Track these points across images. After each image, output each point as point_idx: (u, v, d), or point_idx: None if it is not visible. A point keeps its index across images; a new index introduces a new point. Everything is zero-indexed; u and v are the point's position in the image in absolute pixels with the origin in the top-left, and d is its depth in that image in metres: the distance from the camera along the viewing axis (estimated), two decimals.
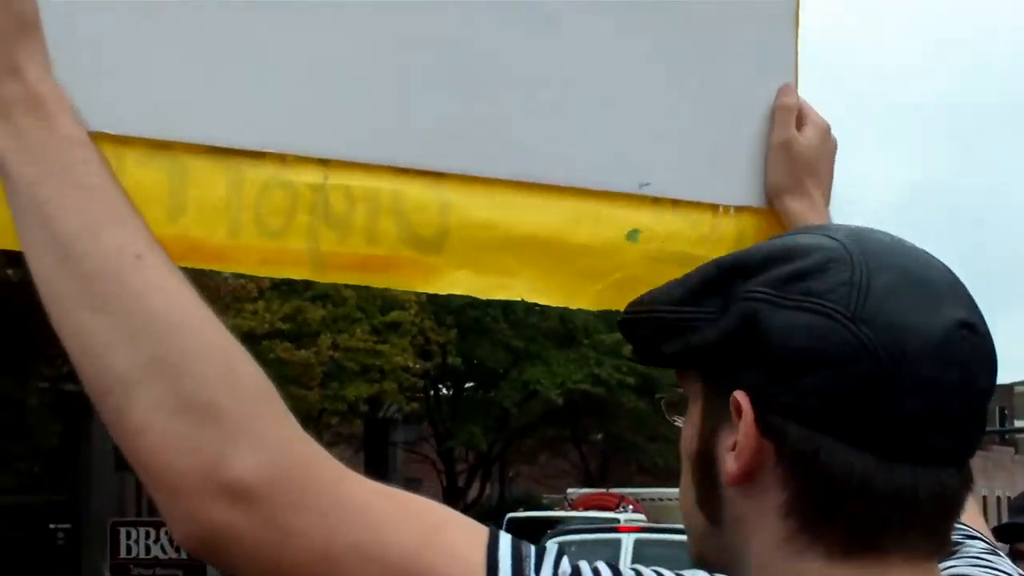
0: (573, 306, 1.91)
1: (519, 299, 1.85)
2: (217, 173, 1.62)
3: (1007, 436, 58.59)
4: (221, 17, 1.63)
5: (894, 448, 1.19)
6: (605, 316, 39.78)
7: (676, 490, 1.39)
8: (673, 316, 1.31)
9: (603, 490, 31.61)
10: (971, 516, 1.65)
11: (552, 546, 1.18)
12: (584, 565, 1.15)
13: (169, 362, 1.16)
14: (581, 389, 34.75)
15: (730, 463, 1.24)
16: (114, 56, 1.57)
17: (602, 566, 1.15)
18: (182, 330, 1.18)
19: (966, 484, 1.24)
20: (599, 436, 42.36)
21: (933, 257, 1.28)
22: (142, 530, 32.58)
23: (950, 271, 1.27)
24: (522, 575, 1.14)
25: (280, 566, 1.14)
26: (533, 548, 1.17)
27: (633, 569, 1.17)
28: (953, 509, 1.24)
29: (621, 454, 41.62)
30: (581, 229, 1.86)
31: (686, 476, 1.34)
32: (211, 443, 1.14)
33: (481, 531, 1.18)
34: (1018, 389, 71.04)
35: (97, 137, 1.42)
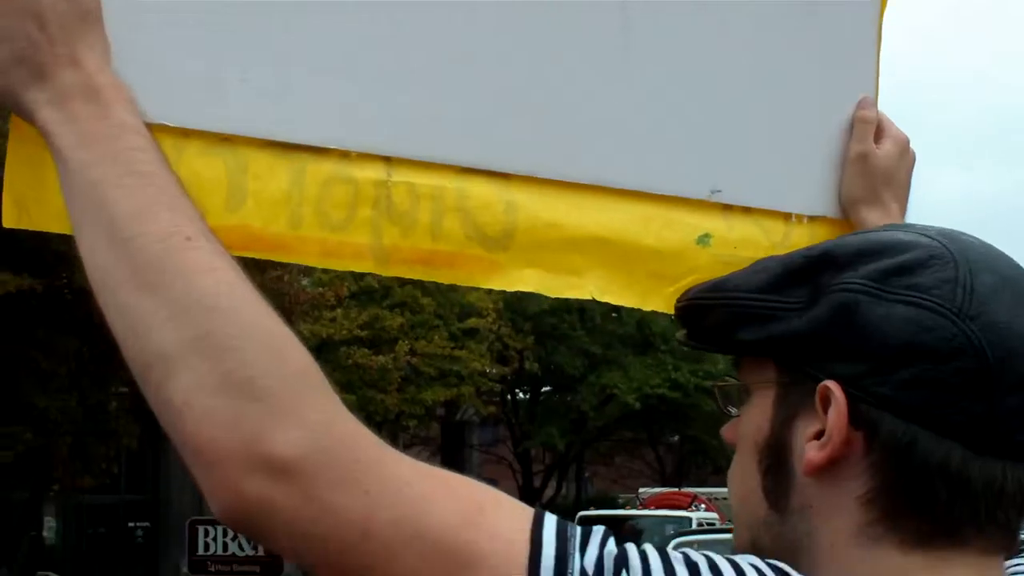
0: (646, 307, 1.87)
1: (590, 298, 1.84)
2: (278, 166, 1.61)
3: None
4: (285, 12, 1.62)
5: (988, 443, 1.20)
6: None
7: None
8: (756, 303, 1.31)
9: (675, 489, 31.54)
10: None
11: (599, 527, 1.16)
12: (631, 547, 1.13)
13: (213, 341, 1.16)
14: (658, 394, 34.74)
15: (812, 451, 1.24)
16: (176, 49, 1.55)
17: (649, 548, 1.14)
18: (228, 310, 1.18)
19: None
20: (675, 438, 42.32)
21: (1015, 262, 1.30)
22: (220, 528, 32.83)
23: None
24: (567, 555, 1.11)
25: (319, 542, 1.13)
26: (579, 529, 1.15)
27: (682, 553, 1.15)
28: None
29: (697, 456, 41.58)
30: (650, 232, 1.85)
31: (745, 464, 1.33)
32: (252, 419, 1.13)
33: (526, 511, 1.16)
34: None
35: (158, 129, 1.43)
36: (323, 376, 1.19)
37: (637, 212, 1.84)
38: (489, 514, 1.14)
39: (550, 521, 1.14)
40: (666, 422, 38.91)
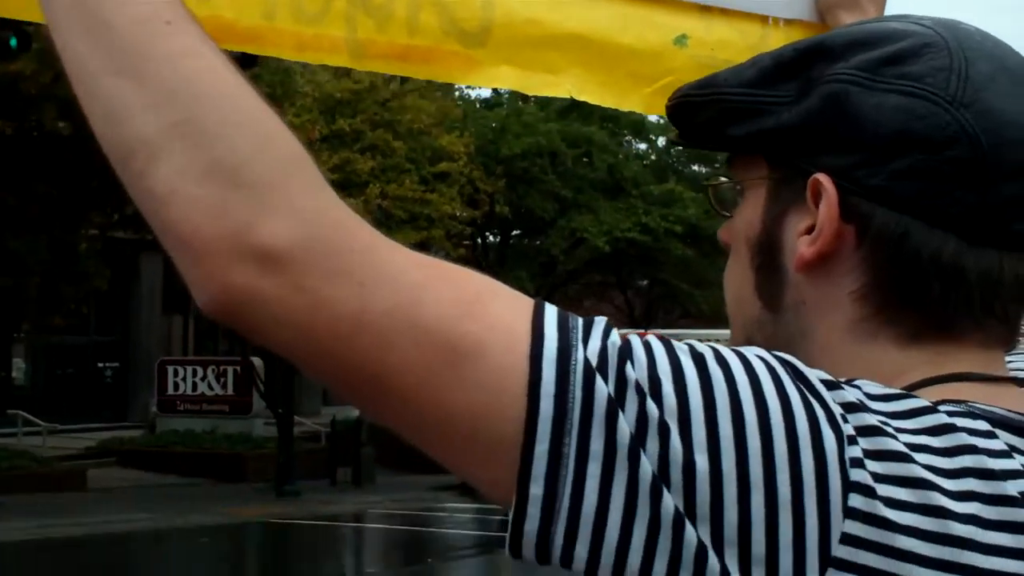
0: (624, 107, 1.87)
1: (567, 96, 1.83)
2: None
3: None
4: None
5: (983, 233, 1.18)
6: (654, 168, 40.11)
7: (716, 331, 1.39)
8: (745, 98, 1.28)
9: (641, 331, 31.84)
10: None
11: (601, 318, 1.12)
12: (635, 338, 1.10)
13: (199, 126, 1.11)
14: (628, 237, 34.91)
15: (803, 247, 1.23)
16: None
17: (654, 340, 1.11)
18: (213, 95, 1.12)
19: None
20: (644, 282, 42.64)
21: (1015, 50, 1.26)
22: (189, 368, 33.25)
23: None
24: (569, 346, 1.07)
25: (309, 334, 1.08)
26: (580, 319, 1.11)
27: (688, 344, 1.12)
28: None
29: (666, 300, 41.81)
30: (628, 31, 1.84)
31: (739, 264, 1.33)
32: (241, 207, 1.09)
33: (526, 302, 1.12)
34: None
35: None
36: (315, 165, 1.14)
37: (616, 11, 1.83)
38: (487, 303, 1.10)
39: (551, 312, 1.10)
40: (636, 266, 39.19)
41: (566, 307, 1.12)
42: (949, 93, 1.18)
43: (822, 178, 1.20)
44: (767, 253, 1.28)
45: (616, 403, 1.04)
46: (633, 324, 39.18)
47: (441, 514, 23.78)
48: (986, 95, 1.18)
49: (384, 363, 1.07)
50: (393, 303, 1.08)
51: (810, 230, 1.22)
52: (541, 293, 36.73)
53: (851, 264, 1.21)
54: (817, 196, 1.21)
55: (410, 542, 21.35)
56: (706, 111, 1.33)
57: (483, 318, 1.08)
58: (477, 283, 1.12)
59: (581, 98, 1.83)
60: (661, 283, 40.01)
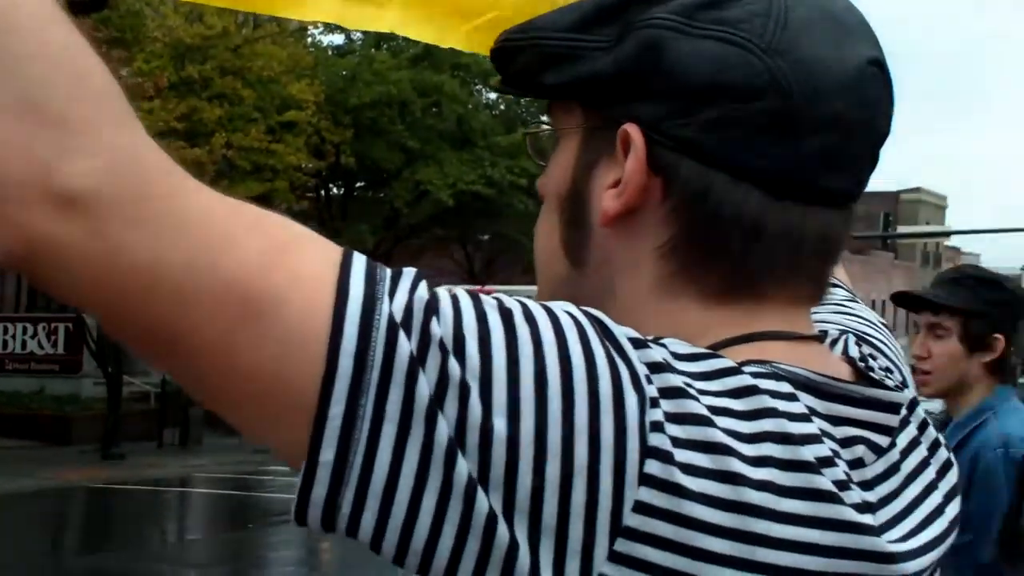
0: (445, 44, 1.80)
1: (388, 31, 1.79)
2: None
3: (888, 242, 59.88)
4: None
5: (788, 187, 1.16)
6: (503, 118, 40.27)
7: None
8: (561, 43, 1.24)
9: (479, 287, 32.05)
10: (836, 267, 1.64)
11: (411, 269, 1.08)
12: (442, 292, 1.06)
13: (5, 59, 1.04)
14: (472, 190, 34.92)
15: (608, 200, 1.20)
16: None
17: (462, 293, 1.07)
18: (23, 28, 1.05)
19: (848, 229, 1.24)
20: (486, 237, 42.47)
21: None
22: (19, 325, 32.77)
23: (858, 8, 1.24)
24: (375, 299, 1.02)
25: (106, 288, 1.02)
26: (389, 271, 1.07)
27: (495, 299, 1.08)
28: (835, 252, 1.23)
29: (508, 254, 41.71)
30: None
31: (549, 217, 1.29)
32: (46, 146, 1.02)
33: (335, 251, 1.07)
34: (904, 197, 73.60)
35: None
36: (129, 105, 1.06)
37: None
38: (293, 254, 1.04)
39: (359, 262, 1.05)
40: (478, 219, 39.07)
41: (407, 262, 1.13)
42: (764, 40, 1.15)
43: (631, 128, 1.18)
44: (575, 206, 1.25)
45: (417, 361, 1.00)
46: (472, 279, 39.14)
47: (265, 478, 24.07)
48: (802, 42, 1.16)
49: (183, 319, 1.02)
50: (193, 254, 1.02)
51: (618, 183, 1.20)
52: (382, 247, 36.92)
53: (657, 219, 1.19)
54: (627, 147, 1.19)
55: (234, 507, 21.57)
56: (524, 56, 1.29)
57: (287, 269, 1.03)
58: (288, 232, 1.07)
59: (403, 33, 1.78)
60: (502, 237, 39.78)
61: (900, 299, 4.50)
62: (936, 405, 5.01)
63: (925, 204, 77.61)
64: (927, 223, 72.04)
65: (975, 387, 4.21)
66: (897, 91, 1.25)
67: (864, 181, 1.23)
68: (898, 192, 73.77)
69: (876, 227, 54.04)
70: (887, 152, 1.25)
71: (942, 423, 4.24)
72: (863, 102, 1.18)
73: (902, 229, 60.11)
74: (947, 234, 56.69)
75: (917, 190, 76.88)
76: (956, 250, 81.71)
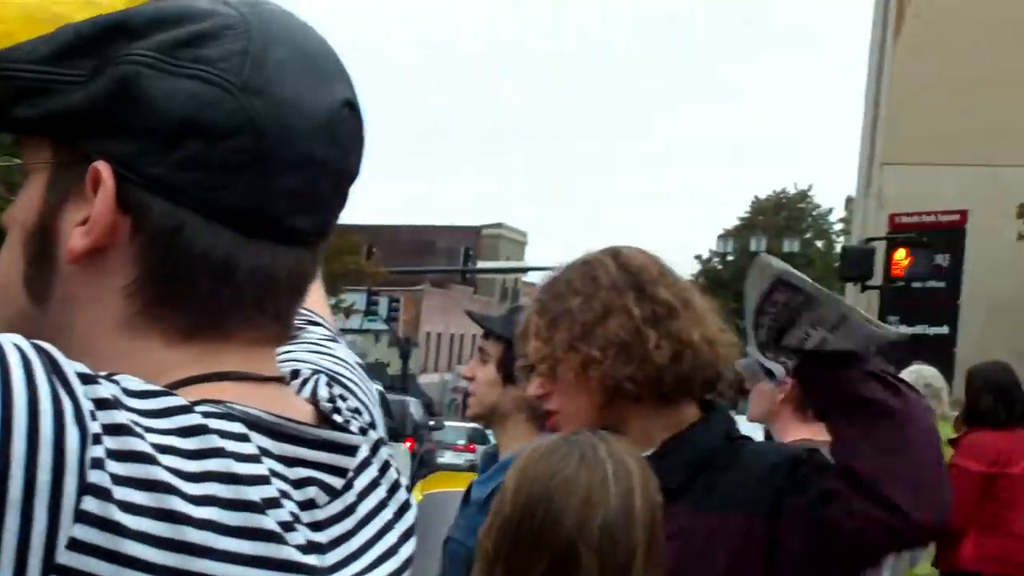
0: None
1: None
2: None
3: (468, 276, 60.45)
4: None
5: (258, 227, 1.16)
6: None
7: None
8: (32, 75, 1.19)
9: None
10: (316, 302, 1.71)
11: None
12: None
13: None
14: None
15: (76, 239, 1.16)
16: None
17: None
18: None
19: (316, 268, 1.25)
20: None
21: (320, 35, 1.25)
22: None
23: (334, 50, 1.25)
24: None
25: None
26: None
27: None
28: (303, 291, 1.24)
29: None
30: None
31: (10, 251, 1.24)
32: None
33: None
34: (485, 232, 74.67)
35: None
36: None
37: None
38: None
39: None
40: None
41: None
42: (241, 79, 1.15)
43: (101, 166, 1.15)
44: (41, 243, 1.21)
45: None
46: None
47: None
48: (280, 82, 1.17)
49: None
50: None
51: (87, 220, 1.17)
52: None
53: (125, 258, 1.16)
54: (97, 185, 1.16)
55: None
56: None
57: None
58: None
59: None
60: None
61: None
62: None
63: (505, 240, 79.14)
64: (507, 258, 73.59)
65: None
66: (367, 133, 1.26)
67: (332, 221, 1.24)
68: (480, 227, 74.97)
69: (457, 261, 54.76)
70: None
71: (492, 455, 3.98)
72: (335, 142, 1.19)
73: (482, 264, 61.24)
74: (525, 270, 57.78)
75: (499, 225, 78.35)
76: (533, 285, 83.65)
